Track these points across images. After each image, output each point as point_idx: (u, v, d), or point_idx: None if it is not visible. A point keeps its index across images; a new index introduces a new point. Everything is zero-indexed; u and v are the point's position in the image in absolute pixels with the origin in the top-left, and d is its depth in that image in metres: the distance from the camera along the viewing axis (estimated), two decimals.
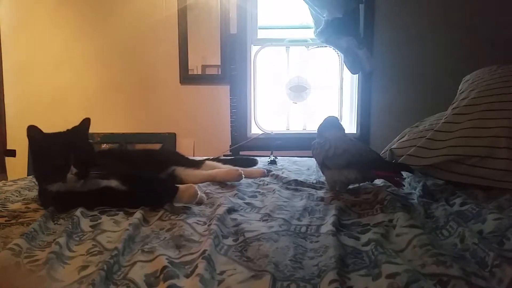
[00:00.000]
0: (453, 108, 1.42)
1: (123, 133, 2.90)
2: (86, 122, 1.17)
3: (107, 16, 2.90)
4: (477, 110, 1.31)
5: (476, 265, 0.67)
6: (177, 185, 1.10)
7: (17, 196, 1.27)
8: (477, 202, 1.04)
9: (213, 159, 1.73)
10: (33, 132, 1.07)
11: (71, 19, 2.92)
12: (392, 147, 1.64)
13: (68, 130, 1.16)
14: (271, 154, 2.04)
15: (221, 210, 0.99)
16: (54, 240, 0.81)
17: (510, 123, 1.20)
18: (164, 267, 0.67)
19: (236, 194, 1.23)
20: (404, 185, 1.24)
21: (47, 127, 1.10)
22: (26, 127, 1.06)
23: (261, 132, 2.79)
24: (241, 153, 2.76)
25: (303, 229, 0.90)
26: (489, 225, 0.84)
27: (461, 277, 0.59)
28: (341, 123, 1.52)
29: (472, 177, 1.22)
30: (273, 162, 1.92)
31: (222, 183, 1.40)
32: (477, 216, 0.92)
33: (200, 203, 1.12)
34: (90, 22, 2.91)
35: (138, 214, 0.97)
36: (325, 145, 1.30)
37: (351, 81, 2.87)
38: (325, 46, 2.72)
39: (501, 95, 1.31)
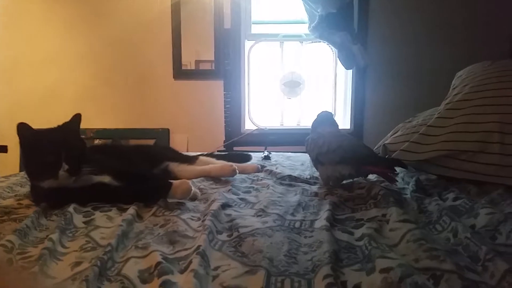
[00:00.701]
0: (446, 104, 1.43)
1: (117, 129, 2.88)
2: (77, 117, 1.15)
3: (100, 11, 2.87)
4: (470, 105, 1.32)
5: (469, 259, 0.68)
6: (171, 181, 1.10)
7: (9, 192, 1.26)
8: (469, 197, 1.05)
9: (207, 155, 1.72)
10: (23, 129, 1.05)
11: (63, 14, 2.90)
12: (385, 142, 1.65)
13: (58, 126, 1.14)
14: (265, 149, 2.04)
15: (215, 205, 0.99)
16: (47, 236, 0.80)
17: (503, 118, 1.21)
18: (158, 263, 0.66)
19: (230, 189, 1.23)
20: (397, 181, 1.25)
21: (40, 123, 1.09)
22: (17, 123, 1.04)
23: (255, 128, 2.79)
24: (235, 148, 2.76)
25: (297, 224, 0.90)
26: (481, 220, 0.85)
27: (454, 271, 0.60)
28: (335, 118, 1.52)
29: (465, 172, 1.23)
30: (267, 158, 1.92)
31: (216, 178, 1.39)
32: (470, 210, 0.92)
33: (194, 198, 1.11)
34: (83, 17, 2.89)
35: (131, 210, 0.97)
36: (319, 141, 1.30)
37: (345, 76, 2.87)
38: (319, 42, 2.71)
39: (493, 90, 1.31)
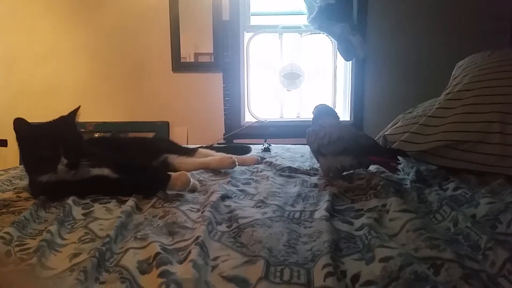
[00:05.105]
0: (446, 94, 1.42)
1: (116, 122, 2.87)
2: (75, 110, 1.15)
3: (98, 5, 2.85)
4: (470, 96, 1.31)
5: (469, 248, 0.67)
6: (170, 173, 1.09)
7: (8, 186, 1.26)
8: (470, 186, 1.05)
9: (206, 147, 1.72)
10: (19, 124, 1.04)
11: (60, 8, 2.88)
12: (385, 133, 1.64)
13: (55, 120, 1.13)
14: (265, 141, 2.03)
15: (214, 197, 0.99)
16: (46, 228, 0.80)
17: (503, 108, 1.20)
18: (157, 254, 0.66)
19: (229, 181, 1.23)
20: (399, 170, 1.24)
21: (39, 116, 1.08)
22: (14, 119, 1.03)
23: (254, 120, 2.78)
24: (234, 141, 2.76)
25: (297, 215, 0.90)
26: (482, 209, 0.85)
27: (454, 260, 0.59)
28: (335, 110, 1.51)
29: (465, 162, 1.23)
30: (266, 150, 1.91)
31: (216, 170, 1.39)
32: (470, 200, 0.92)
33: (193, 190, 1.11)
34: (80, 10, 2.87)
35: (130, 202, 0.97)
36: (320, 133, 1.29)
37: (345, 68, 2.86)
38: (318, 33, 2.70)
39: (493, 80, 1.31)
